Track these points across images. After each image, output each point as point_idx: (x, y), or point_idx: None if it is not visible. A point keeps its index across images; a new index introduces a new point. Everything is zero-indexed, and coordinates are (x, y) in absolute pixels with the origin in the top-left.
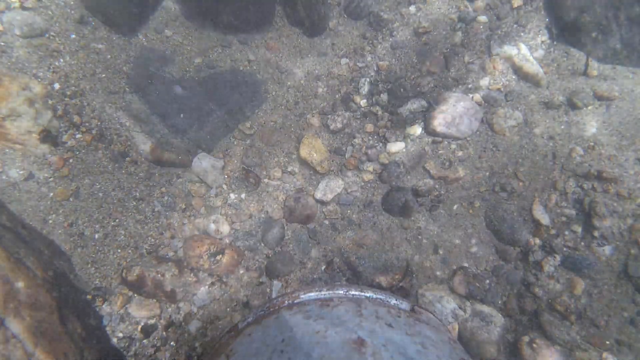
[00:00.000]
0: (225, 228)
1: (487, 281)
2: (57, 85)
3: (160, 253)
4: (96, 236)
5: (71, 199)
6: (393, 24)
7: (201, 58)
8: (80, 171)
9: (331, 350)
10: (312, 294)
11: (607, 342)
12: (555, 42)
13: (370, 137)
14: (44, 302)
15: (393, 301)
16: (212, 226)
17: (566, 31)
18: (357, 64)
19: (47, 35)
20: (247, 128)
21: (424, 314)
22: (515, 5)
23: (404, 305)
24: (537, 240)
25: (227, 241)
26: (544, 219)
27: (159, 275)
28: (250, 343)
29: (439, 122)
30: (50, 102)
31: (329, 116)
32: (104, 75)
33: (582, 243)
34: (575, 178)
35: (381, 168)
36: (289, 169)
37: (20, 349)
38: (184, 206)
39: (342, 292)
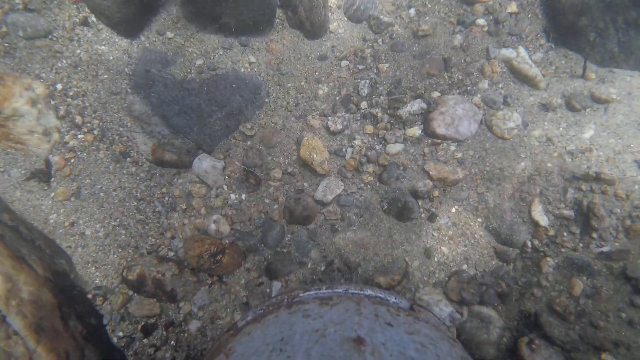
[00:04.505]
0: (225, 228)
1: (484, 284)
2: (59, 86)
3: (161, 253)
4: (97, 236)
5: (72, 199)
6: (393, 27)
7: (202, 60)
8: (81, 171)
9: (330, 348)
10: (312, 293)
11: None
12: (553, 45)
13: (370, 139)
14: (45, 300)
15: (392, 300)
16: (213, 226)
17: (564, 34)
18: (357, 66)
19: (50, 36)
20: (247, 129)
21: (423, 312)
22: (514, 9)
23: (404, 303)
24: (536, 241)
25: (228, 241)
26: (543, 220)
27: (160, 274)
28: (249, 342)
29: (438, 123)
30: (52, 102)
31: (329, 118)
32: (106, 76)
33: (581, 244)
34: (574, 179)
35: (381, 169)
36: (289, 170)
37: (22, 346)
38: (184, 206)
39: (341, 290)
